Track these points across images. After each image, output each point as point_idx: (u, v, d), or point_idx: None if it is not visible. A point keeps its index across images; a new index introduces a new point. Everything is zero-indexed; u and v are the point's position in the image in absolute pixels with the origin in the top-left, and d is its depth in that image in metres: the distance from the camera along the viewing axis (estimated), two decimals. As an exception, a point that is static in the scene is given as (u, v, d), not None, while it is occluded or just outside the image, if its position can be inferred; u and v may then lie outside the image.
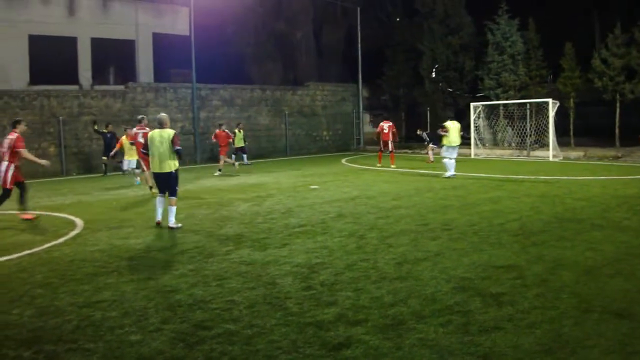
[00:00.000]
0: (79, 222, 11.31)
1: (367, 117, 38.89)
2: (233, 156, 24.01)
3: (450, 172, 17.55)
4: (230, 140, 22.69)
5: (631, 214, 10.70)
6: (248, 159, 25.43)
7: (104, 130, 22.69)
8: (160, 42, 30.79)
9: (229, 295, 6.15)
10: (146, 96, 27.17)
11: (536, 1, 36.49)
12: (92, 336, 5.12)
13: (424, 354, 4.53)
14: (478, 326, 5.06)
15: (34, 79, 26.30)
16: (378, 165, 22.42)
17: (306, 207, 12.11)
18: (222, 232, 9.73)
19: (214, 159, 26.56)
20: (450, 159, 17.71)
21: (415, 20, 36.33)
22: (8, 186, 11.54)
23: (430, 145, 24.74)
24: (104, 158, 22.49)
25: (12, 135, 11.66)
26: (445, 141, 17.69)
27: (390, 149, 22.04)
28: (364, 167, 22.76)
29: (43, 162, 12.23)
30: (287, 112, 32.56)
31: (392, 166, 21.50)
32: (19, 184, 11.70)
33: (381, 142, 22.51)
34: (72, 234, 10.12)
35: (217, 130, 22.54)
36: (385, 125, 22.41)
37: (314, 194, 14.29)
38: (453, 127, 17.91)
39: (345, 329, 5.06)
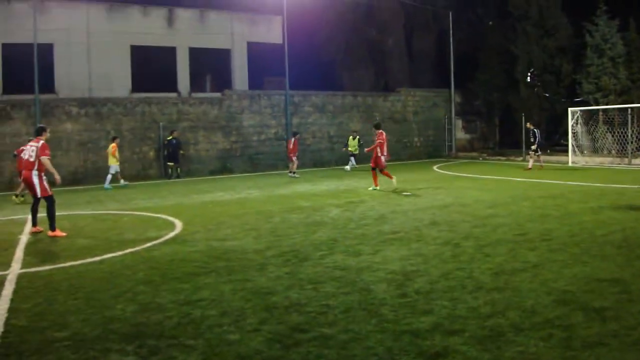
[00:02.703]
0: (178, 223, 11.80)
1: (459, 123, 38.20)
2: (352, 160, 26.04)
3: None
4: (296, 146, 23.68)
5: None
6: (339, 163, 26.10)
7: (169, 137, 23.77)
8: (255, 51, 31.63)
9: (324, 299, 6.25)
10: (241, 103, 28.00)
11: (637, 0, 34.69)
12: (193, 333, 5.34)
13: (524, 368, 4.45)
14: (581, 341, 4.89)
15: (136, 87, 27.78)
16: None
17: (399, 214, 12.09)
18: (316, 236, 9.88)
19: (306, 164, 27.06)
20: None
21: (508, 22, 35.38)
22: (49, 193, 11.07)
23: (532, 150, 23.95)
24: (170, 163, 24.05)
25: (37, 143, 11.07)
26: None
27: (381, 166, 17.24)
28: (457, 174, 22.40)
29: (57, 177, 11.49)
30: (378, 118, 32.56)
31: (373, 187, 17.04)
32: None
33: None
34: (172, 234, 10.58)
35: (293, 139, 23.65)
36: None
37: (407, 201, 14.24)
38: None
39: (442, 339, 5.02)
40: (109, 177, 20.70)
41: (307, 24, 33.54)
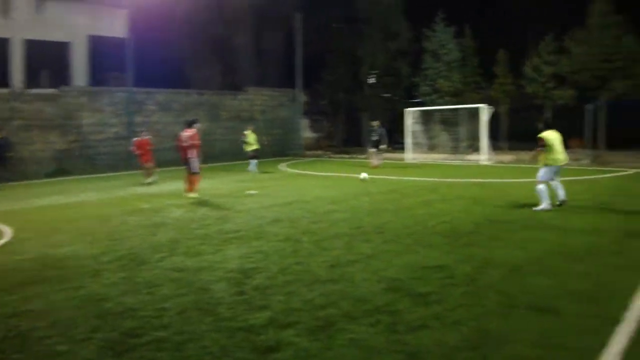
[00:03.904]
0: (7, 230, 10.95)
1: (306, 122, 38.99)
2: (250, 162, 23.56)
3: (547, 204, 11.87)
4: (150, 147, 20.06)
5: (556, 213, 11.16)
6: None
7: None
8: (97, 45, 30.06)
9: (159, 302, 6.09)
10: (80, 100, 26.46)
11: (472, 10, 37.53)
12: (19, 347, 5.01)
13: (353, 354, 4.62)
14: (406, 325, 5.18)
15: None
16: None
17: (243, 213, 12.07)
18: (155, 239, 9.59)
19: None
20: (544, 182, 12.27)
21: (354, 26, 36.70)
22: None
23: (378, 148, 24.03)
24: None
25: None
26: (548, 159, 12.24)
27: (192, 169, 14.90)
28: (302, 172, 22.82)
29: None
30: (224, 117, 32.34)
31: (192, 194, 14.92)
32: None
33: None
34: (0, 242, 9.81)
35: (137, 139, 20.12)
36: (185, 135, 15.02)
37: (251, 200, 14.26)
38: (554, 138, 12.44)
39: (276, 332, 5.09)
40: None
41: (154, 19, 32.39)
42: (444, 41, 33.14)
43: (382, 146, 24.01)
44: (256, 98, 34.92)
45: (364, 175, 17.92)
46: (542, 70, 29.61)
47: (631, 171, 20.06)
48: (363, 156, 31.12)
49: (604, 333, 4.93)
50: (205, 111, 31.56)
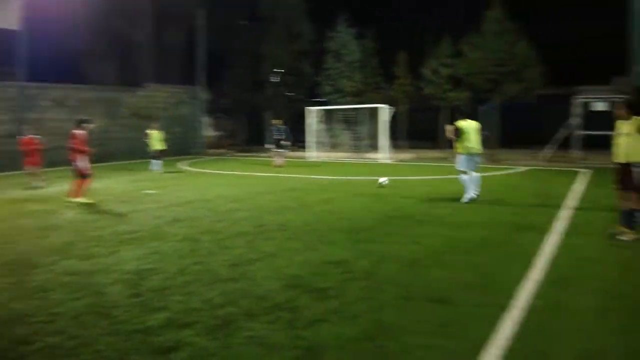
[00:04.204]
0: None
1: (208, 121, 38.46)
2: (152, 161, 22.05)
3: (470, 194, 12.68)
4: (39, 148, 18.39)
5: (452, 209, 11.64)
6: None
7: None
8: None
9: (52, 307, 5.80)
10: (-37, 96, 24.87)
11: (373, 12, 38.41)
12: None
13: (252, 351, 4.60)
14: (305, 320, 5.22)
15: None
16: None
17: (140, 213, 11.72)
18: (47, 242, 9.14)
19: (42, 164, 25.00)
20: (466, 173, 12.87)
21: (257, 25, 36.60)
22: None
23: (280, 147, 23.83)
24: None
25: None
26: (461, 148, 12.83)
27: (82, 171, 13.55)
28: (204, 170, 22.49)
29: None
30: (123, 114, 31.27)
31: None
32: None
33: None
34: None
35: (23, 138, 18.40)
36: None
37: (149, 199, 13.88)
38: (469, 127, 12.90)
39: (174, 333, 4.99)
40: None
41: (49, 10, 30.89)
42: (346, 42, 33.70)
43: (286, 144, 24.02)
44: (156, 95, 34.08)
45: (383, 179, 15.62)
46: (440, 73, 30.74)
47: (522, 168, 21.22)
48: (265, 155, 31.12)
49: (494, 320, 5.18)
50: (102, 108, 30.40)
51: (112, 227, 10.25)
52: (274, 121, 24.48)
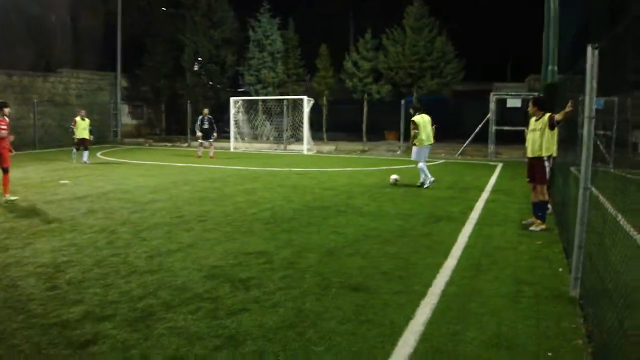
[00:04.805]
0: None
1: (126, 109, 37.43)
2: (74, 150, 20.48)
3: (430, 178, 14.18)
4: None
5: (371, 200, 11.89)
6: None
7: None
8: None
9: (-38, 303, 5.58)
10: None
11: (296, 2, 38.44)
12: None
13: (172, 342, 4.59)
14: (226, 310, 5.26)
15: None
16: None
17: (54, 204, 11.32)
18: (-47, 232, 8.73)
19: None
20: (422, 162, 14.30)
21: (178, 11, 35.83)
22: None
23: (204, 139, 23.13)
24: None
25: None
26: (416, 141, 14.11)
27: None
28: (121, 160, 21.92)
29: None
30: (36, 101, 30.00)
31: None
32: None
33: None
34: None
35: None
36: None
37: (64, 190, 13.42)
38: (423, 121, 14.16)
39: (93, 326, 4.91)
40: None
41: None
42: (268, 32, 33.60)
43: (214, 135, 23.36)
44: (71, 81, 32.90)
45: (394, 177, 14.97)
46: (361, 66, 31.17)
47: (440, 161, 21.87)
48: (186, 145, 30.67)
49: (410, 307, 5.40)
50: (15, 93, 29.05)
51: (26, 218, 9.86)
52: (205, 111, 23.49)
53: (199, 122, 23.27)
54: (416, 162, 14.35)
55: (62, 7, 36.98)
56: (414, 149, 14.20)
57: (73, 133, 20.52)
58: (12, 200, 11.61)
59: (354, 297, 5.69)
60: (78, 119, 20.51)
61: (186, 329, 4.84)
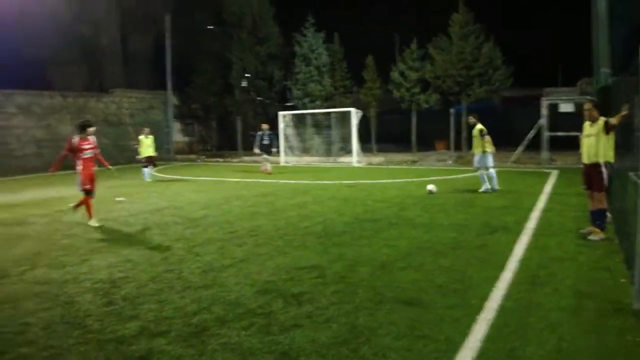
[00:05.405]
0: None
1: (177, 126, 38.20)
2: (144, 169, 20.78)
3: (493, 186, 14.86)
4: None
5: (423, 211, 11.72)
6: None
7: None
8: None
9: (23, 317, 5.73)
10: None
11: (341, 16, 38.67)
12: None
13: (226, 358, 4.60)
14: (279, 326, 5.24)
15: None
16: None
17: (110, 221, 11.59)
18: (17, 251, 8.99)
19: (10, 172, 24.63)
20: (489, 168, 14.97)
21: (224, 29, 36.49)
22: None
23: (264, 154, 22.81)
24: None
25: None
26: (488, 147, 14.85)
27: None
28: (174, 176, 22.31)
29: None
30: (91, 121, 30.81)
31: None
32: None
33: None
34: None
35: None
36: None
37: (120, 207, 13.74)
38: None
39: (147, 342, 4.96)
40: None
41: (12, 16, 30.38)
42: (314, 46, 33.82)
43: (273, 150, 23.32)
44: (124, 101, 33.77)
45: (430, 187, 14.90)
46: (408, 76, 31.02)
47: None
48: (237, 160, 31.00)
49: (466, 322, 5.25)
50: (70, 114, 30.01)
51: (83, 235, 10.13)
52: (263, 126, 23.39)
53: (258, 138, 23.01)
54: (485, 169, 14.80)
55: (113, 30, 38.15)
56: (487, 155, 14.72)
57: (137, 152, 20.81)
58: (96, 226, 10.96)
59: (408, 311, 5.58)
60: (142, 137, 20.83)
61: (239, 344, 4.84)
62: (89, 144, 11.33)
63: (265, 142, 22.87)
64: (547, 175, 19.35)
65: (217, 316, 5.55)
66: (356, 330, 5.11)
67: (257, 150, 22.96)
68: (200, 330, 5.18)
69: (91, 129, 11.45)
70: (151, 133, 20.89)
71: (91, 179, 11.31)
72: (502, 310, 5.57)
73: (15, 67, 29.72)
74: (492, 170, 14.82)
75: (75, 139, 11.19)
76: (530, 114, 25.74)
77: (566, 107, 25.68)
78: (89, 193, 11.29)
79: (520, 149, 24.60)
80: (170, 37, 35.05)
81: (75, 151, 11.13)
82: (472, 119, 15.22)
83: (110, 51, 38.51)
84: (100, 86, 36.58)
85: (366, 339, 4.91)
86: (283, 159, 28.98)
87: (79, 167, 11.16)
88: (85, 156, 11.21)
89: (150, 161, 20.81)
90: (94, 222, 11.13)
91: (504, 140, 27.37)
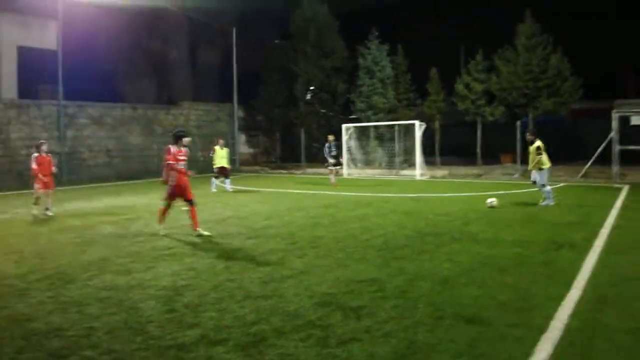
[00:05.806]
0: None
1: (243, 138, 38.89)
2: (214, 179, 21.36)
3: (550, 201, 14.90)
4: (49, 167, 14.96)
5: (487, 226, 11.49)
6: (119, 179, 24.06)
7: None
8: (27, 56, 29.16)
9: (87, 321, 5.92)
10: (8, 113, 25.51)
11: (404, 28, 38.51)
12: None
13: (283, 369, 4.61)
14: (337, 339, 5.21)
15: None
16: None
17: (175, 230, 11.87)
18: (85, 257, 9.32)
19: (83, 180, 25.56)
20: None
21: (290, 43, 37.01)
22: None
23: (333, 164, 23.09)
24: None
25: None
26: (543, 163, 14.94)
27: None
28: (238, 187, 22.64)
29: None
30: (159, 132, 31.80)
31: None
32: None
33: None
34: None
35: (37, 155, 14.81)
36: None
37: (185, 217, 13.94)
38: (542, 145, 15.09)
39: (207, 350, 5.03)
40: None
41: (86, 31, 31.65)
42: (378, 58, 33.79)
43: (341, 161, 23.52)
44: (191, 113, 34.61)
45: (491, 200, 14.76)
46: (473, 88, 30.56)
47: (560, 184, 20.86)
48: (300, 172, 31.21)
49: (530, 342, 5.08)
50: (140, 126, 31.02)
51: (149, 242, 10.41)
52: (329, 137, 23.55)
53: (327, 149, 23.18)
54: (542, 185, 14.91)
55: (182, 43, 39.22)
56: (545, 172, 14.83)
57: (212, 161, 21.21)
58: (206, 235, 10.91)
59: (468, 329, 5.46)
60: (217, 147, 21.22)
61: (297, 356, 4.84)
62: (183, 155, 11.22)
63: (333, 153, 23.15)
64: (617, 190, 18.65)
65: (275, 327, 5.58)
66: (414, 346, 5.04)
67: (331, 160, 23.12)
68: (258, 340, 5.22)
69: (186, 140, 11.27)
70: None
71: (182, 190, 11.25)
72: (568, 331, 5.37)
73: (89, 80, 30.97)
74: (548, 187, 14.96)
75: (174, 149, 11.11)
76: (601, 127, 24.86)
77: (638, 120, 24.70)
78: (192, 203, 11.29)
79: (589, 163, 23.80)
80: (236, 51, 35.76)
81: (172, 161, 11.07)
82: (529, 136, 15.38)
83: (179, 65, 39.62)
84: (169, 99, 37.65)
85: (424, 355, 4.83)
86: (346, 171, 29.02)
87: (173, 178, 11.13)
88: (179, 167, 11.13)
89: (221, 172, 21.11)
90: (161, 230, 11.37)
91: (573, 155, 26.66)
